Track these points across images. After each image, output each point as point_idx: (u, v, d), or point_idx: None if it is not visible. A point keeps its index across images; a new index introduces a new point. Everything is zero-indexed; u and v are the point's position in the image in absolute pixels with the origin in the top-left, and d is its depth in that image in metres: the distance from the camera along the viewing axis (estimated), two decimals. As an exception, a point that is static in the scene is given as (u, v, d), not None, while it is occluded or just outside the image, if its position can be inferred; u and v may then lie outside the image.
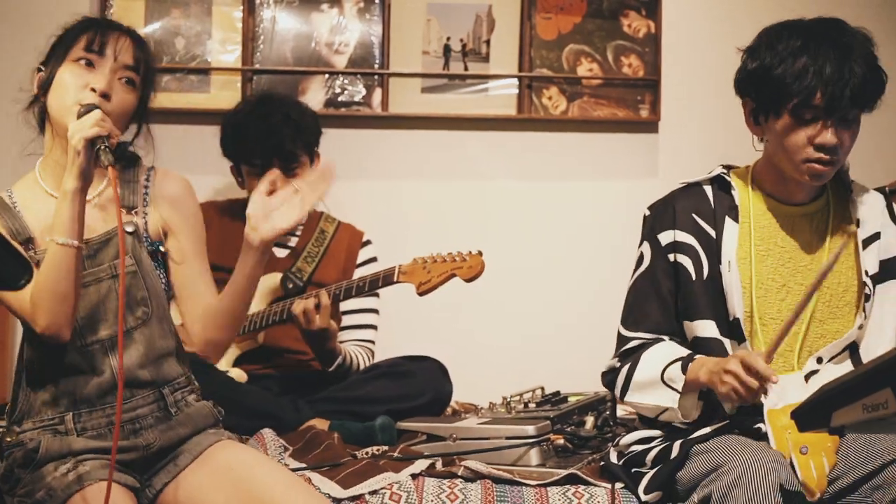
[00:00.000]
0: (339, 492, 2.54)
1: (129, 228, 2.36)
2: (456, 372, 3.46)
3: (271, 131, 3.47)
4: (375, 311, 3.58)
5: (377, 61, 4.06)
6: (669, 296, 2.64)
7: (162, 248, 2.43)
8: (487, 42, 4.10)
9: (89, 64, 2.31)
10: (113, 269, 2.32)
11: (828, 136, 2.46)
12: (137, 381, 2.32)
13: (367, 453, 2.82)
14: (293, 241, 3.60)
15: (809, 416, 2.13)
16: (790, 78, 2.45)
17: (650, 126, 4.20)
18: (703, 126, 4.21)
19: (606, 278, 4.08)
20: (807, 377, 2.54)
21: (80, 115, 2.21)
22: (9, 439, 2.30)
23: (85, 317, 2.29)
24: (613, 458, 2.70)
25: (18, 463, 2.26)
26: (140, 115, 2.42)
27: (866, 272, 2.58)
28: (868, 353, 2.57)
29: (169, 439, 2.35)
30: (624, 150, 4.21)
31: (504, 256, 3.76)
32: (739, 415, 2.51)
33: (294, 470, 2.63)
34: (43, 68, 2.36)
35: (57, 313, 2.20)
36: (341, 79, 4.06)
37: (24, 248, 2.26)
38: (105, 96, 2.28)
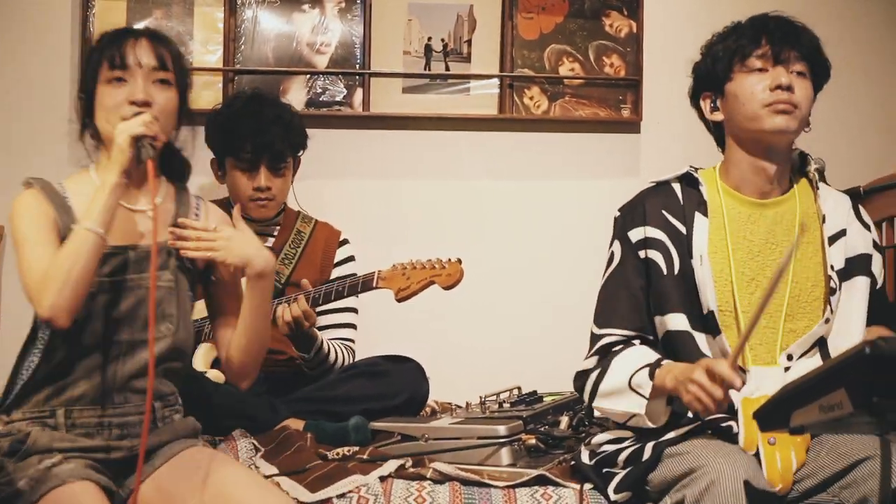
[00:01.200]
0: (307, 496, 2.54)
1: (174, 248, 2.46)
2: (437, 372, 3.46)
3: (262, 129, 3.49)
4: (355, 310, 3.59)
5: (358, 61, 4.07)
6: (640, 292, 2.65)
7: (213, 278, 2.54)
8: (469, 42, 4.10)
9: (120, 80, 2.40)
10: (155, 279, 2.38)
11: (781, 77, 2.56)
12: (133, 388, 2.38)
13: (337, 454, 2.82)
14: (269, 242, 3.60)
15: (770, 415, 2.13)
16: (733, 38, 2.64)
17: (632, 126, 4.20)
18: (685, 126, 4.14)
19: (589, 278, 4.02)
20: (784, 372, 2.55)
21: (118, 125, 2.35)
22: None
23: (112, 318, 2.36)
24: (585, 457, 2.70)
25: (4, 451, 2.30)
26: (184, 109, 2.52)
27: (832, 267, 2.60)
28: (836, 349, 2.58)
29: (150, 444, 2.38)
30: (606, 150, 4.22)
31: (486, 256, 3.78)
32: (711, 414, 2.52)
33: (265, 476, 2.65)
34: (82, 96, 2.47)
35: (63, 296, 2.25)
36: (323, 79, 4.07)
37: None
38: (146, 104, 2.38)
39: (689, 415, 2.52)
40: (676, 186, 2.70)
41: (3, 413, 2.38)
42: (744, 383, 2.35)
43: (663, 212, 2.66)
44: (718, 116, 2.71)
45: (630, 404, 2.53)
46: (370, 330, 3.73)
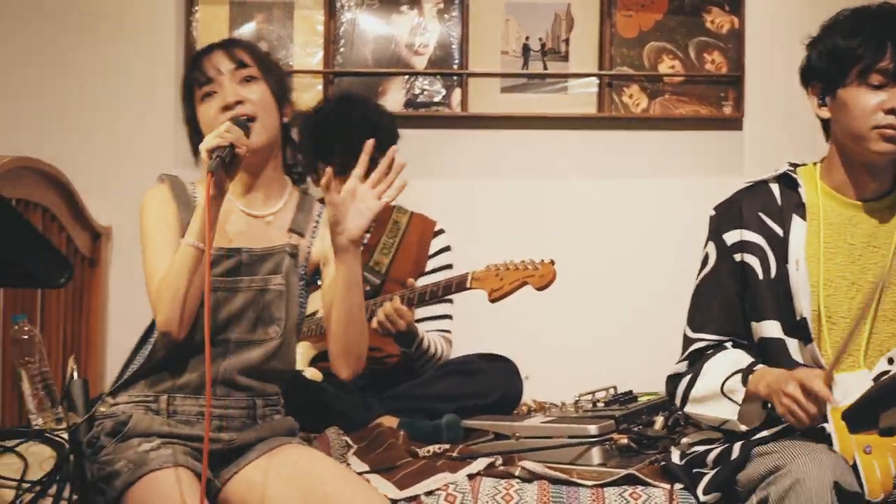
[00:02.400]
0: (395, 493, 2.57)
1: (290, 250, 2.52)
2: (533, 371, 3.46)
3: (349, 131, 3.52)
4: (450, 300, 3.59)
5: (456, 62, 4.09)
6: (735, 296, 2.61)
7: (319, 282, 2.59)
8: (567, 41, 4.09)
9: (210, 94, 2.50)
10: (264, 282, 2.48)
11: None
12: (234, 383, 2.45)
13: (428, 452, 2.84)
14: (366, 235, 3.63)
15: (857, 417, 2.10)
16: (857, 42, 2.46)
17: (734, 123, 4.14)
18: (788, 122, 4.13)
19: (687, 276, 4.03)
20: (878, 378, 2.48)
21: (243, 124, 2.43)
22: (102, 409, 2.44)
23: (223, 316, 2.44)
24: (675, 458, 2.68)
25: (106, 431, 2.39)
26: (284, 98, 2.61)
27: None
28: None
29: (248, 438, 2.46)
30: (707, 148, 4.16)
31: (585, 255, 3.76)
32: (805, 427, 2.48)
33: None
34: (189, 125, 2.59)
35: (173, 310, 2.35)
36: (421, 79, 4.09)
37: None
38: (239, 103, 2.47)
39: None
40: (774, 187, 2.64)
41: (109, 395, 2.47)
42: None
43: (760, 214, 2.60)
44: (825, 114, 2.60)
45: (722, 410, 2.50)
46: (464, 329, 3.74)
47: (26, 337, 3.09)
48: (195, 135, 2.53)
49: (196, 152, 2.50)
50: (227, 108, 2.46)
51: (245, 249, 2.47)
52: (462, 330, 3.69)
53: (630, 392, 3.29)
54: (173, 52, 4.09)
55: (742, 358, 2.53)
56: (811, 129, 4.00)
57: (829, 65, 2.53)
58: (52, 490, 2.44)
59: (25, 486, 2.56)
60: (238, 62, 2.51)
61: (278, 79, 2.59)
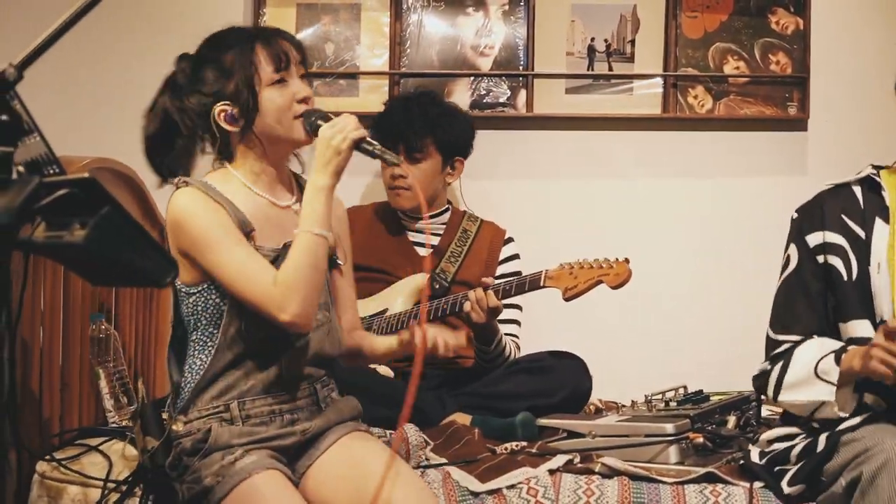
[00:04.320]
0: (477, 486, 2.60)
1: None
2: (598, 369, 3.47)
3: (403, 117, 3.61)
4: (519, 307, 3.62)
5: (522, 63, 4.11)
6: (818, 297, 2.62)
7: (339, 262, 2.59)
8: (632, 42, 4.10)
9: (283, 81, 2.44)
10: None
11: None
12: (301, 375, 2.46)
13: (505, 449, 2.87)
14: (436, 241, 3.67)
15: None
16: None
17: (799, 124, 4.14)
18: (853, 124, 4.13)
19: (753, 277, 4.05)
20: None
21: (313, 123, 2.42)
22: (175, 428, 2.41)
23: None
24: (755, 456, 2.69)
25: (187, 451, 2.37)
26: None
27: None
28: None
29: (319, 426, 2.47)
30: (772, 149, 4.16)
31: (649, 255, 3.76)
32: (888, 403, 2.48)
33: (434, 465, 2.71)
34: (227, 104, 2.42)
35: (308, 304, 2.34)
36: (486, 81, 4.12)
37: (247, 238, 2.39)
38: (309, 100, 2.46)
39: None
40: (857, 189, 2.64)
41: (180, 413, 2.44)
42: None
43: (842, 216, 2.61)
44: None
45: (818, 392, 2.50)
46: (533, 326, 3.76)
47: (103, 336, 3.14)
48: (250, 115, 2.41)
49: (248, 124, 2.42)
50: (303, 101, 2.43)
51: (288, 243, 2.40)
52: (529, 328, 3.71)
53: (701, 391, 3.29)
54: (242, 54, 4.13)
55: (832, 343, 2.55)
56: (875, 131, 4.05)
57: None
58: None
59: (111, 485, 2.62)
60: (303, 58, 2.50)
61: (312, 80, 2.60)
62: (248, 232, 2.40)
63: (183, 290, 2.44)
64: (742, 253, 4.12)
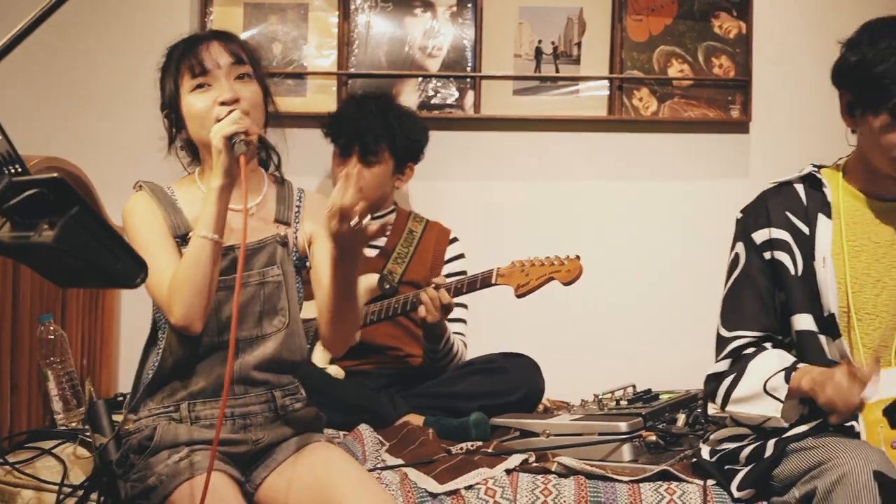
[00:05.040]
0: (435, 487, 2.60)
1: (280, 240, 2.50)
2: (546, 369, 3.50)
3: (359, 119, 3.61)
4: (465, 305, 3.64)
5: (469, 64, 4.12)
6: (767, 293, 2.66)
7: (308, 265, 2.57)
8: (578, 44, 4.13)
9: (204, 87, 2.45)
10: (261, 275, 2.46)
11: None
12: (251, 380, 2.45)
13: (461, 449, 2.88)
14: (382, 242, 3.68)
15: (902, 412, 2.15)
16: (891, 78, 2.46)
17: (741, 126, 4.20)
18: (795, 126, 4.20)
19: (696, 278, 4.10)
20: None
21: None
22: (126, 427, 2.43)
23: (227, 315, 2.41)
24: (705, 454, 2.72)
25: (133, 449, 2.38)
26: (268, 99, 2.55)
27: None
28: None
29: (275, 437, 2.46)
30: (715, 151, 4.21)
31: (594, 256, 3.78)
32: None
33: (391, 466, 2.71)
34: (168, 112, 2.52)
35: (193, 305, 2.32)
36: (434, 82, 4.12)
37: (181, 243, 2.41)
38: (235, 101, 2.42)
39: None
40: (799, 187, 2.69)
41: (130, 412, 2.45)
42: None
43: (787, 213, 2.66)
44: (851, 125, 2.64)
45: (764, 408, 2.55)
46: (480, 326, 3.78)
47: (52, 337, 3.10)
48: (178, 121, 2.49)
49: (172, 138, 2.53)
50: (224, 103, 2.41)
51: (238, 245, 2.40)
52: (477, 328, 3.73)
53: (649, 390, 3.33)
54: (188, 52, 4.10)
55: (784, 358, 2.58)
56: (816, 134, 4.12)
57: (860, 87, 2.56)
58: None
59: (66, 489, 2.59)
60: (236, 58, 2.48)
61: (264, 76, 2.57)
62: (182, 235, 2.42)
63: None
64: (686, 253, 4.17)
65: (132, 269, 1.77)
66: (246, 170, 2.30)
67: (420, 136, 3.74)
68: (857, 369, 2.34)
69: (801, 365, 2.54)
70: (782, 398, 2.51)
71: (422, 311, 3.29)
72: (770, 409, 2.53)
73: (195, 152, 2.56)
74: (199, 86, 2.45)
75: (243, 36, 4.03)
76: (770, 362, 2.57)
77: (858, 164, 2.65)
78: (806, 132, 4.18)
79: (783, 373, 2.52)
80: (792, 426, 2.55)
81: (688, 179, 4.22)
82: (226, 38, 2.53)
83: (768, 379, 2.53)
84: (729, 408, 2.63)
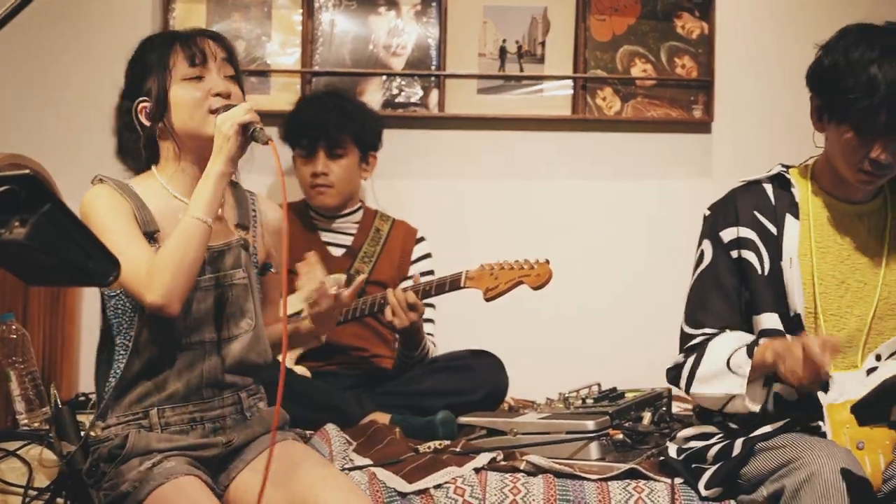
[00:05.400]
0: (404, 486, 2.60)
1: (243, 243, 2.49)
2: (510, 368, 3.50)
3: (320, 115, 3.61)
4: (433, 305, 3.63)
5: (434, 63, 4.12)
6: (733, 292, 2.67)
7: (273, 270, 2.59)
8: (542, 44, 4.14)
9: (199, 78, 2.43)
10: (229, 277, 2.44)
11: (883, 156, 2.50)
12: (221, 383, 2.43)
13: (429, 448, 2.87)
14: (349, 241, 3.66)
15: (869, 410, 2.18)
16: (857, 93, 2.46)
17: (703, 126, 4.22)
18: (756, 126, 4.23)
19: (659, 277, 4.12)
20: (867, 373, 2.57)
21: (218, 116, 2.38)
22: (93, 434, 2.38)
23: (194, 318, 2.39)
24: (672, 452, 2.73)
25: (104, 458, 2.34)
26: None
27: None
28: None
29: (245, 437, 2.44)
30: (678, 151, 4.24)
31: (558, 255, 3.80)
32: (799, 411, 2.55)
33: (359, 466, 2.70)
34: (145, 99, 2.44)
35: (176, 285, 2.28)
36: (399, 80, 4.12)
37: (148, 240, 2.36)
38: (229, 95, 2.42)
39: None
40: (768, 187, 2.71)
41: (98, 419, 2.40)
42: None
43: (755, 212, 2.67)
44: (819, 129, 2.64)
45: (729, 385, 2.54)
46: (448, 326, 3.77)
47: (15, 336, 3.07)
48: (161, 110, 2.43)
49: (151, 130, 2.44)
50: (219, 95, 2.41)
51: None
52: (444, 328, 3.73)
53: (615, 389, 3.34)
54: (150, 48, 4.07)
55: (745, 337, 2.60)
56: (778, 134, 4.15)
57: (829, 96, 2.56)
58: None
59: (32, 493, 2.56)
60: (229, 58, 2.49)
61: (243, 85, 2.56)
62: (151, 232, 2.38)
63: (105, 292, 2.42)
64: (649, 252, 4.18)
65: (105, 267, 1.75)
66: (279, 158, 2.34)
67: (378, 123, 3.76)
68: (818, 339, 2.36)
69: (762, 340, 2.55)
70: (746, 374, 2.51)
71: (388, 313, 3.28)
72: (735, 387, 2.53)
73: (151, 152, 2.49)
74: (196, 77, 2.43)
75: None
76: (731, 341, 2.59)
77: (825, 167, 2.67)
78: (768, 132, 4.21)
79: (745, 348, 2.53)
80: (759, 425, 2.56)
81: (650, 179, 4.24)
82: (218, 37, 2.53)
83: (731, 355, 2.55)
84: (693, 389, 2.63)
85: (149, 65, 2.46)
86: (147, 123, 2.45)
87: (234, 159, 2.35)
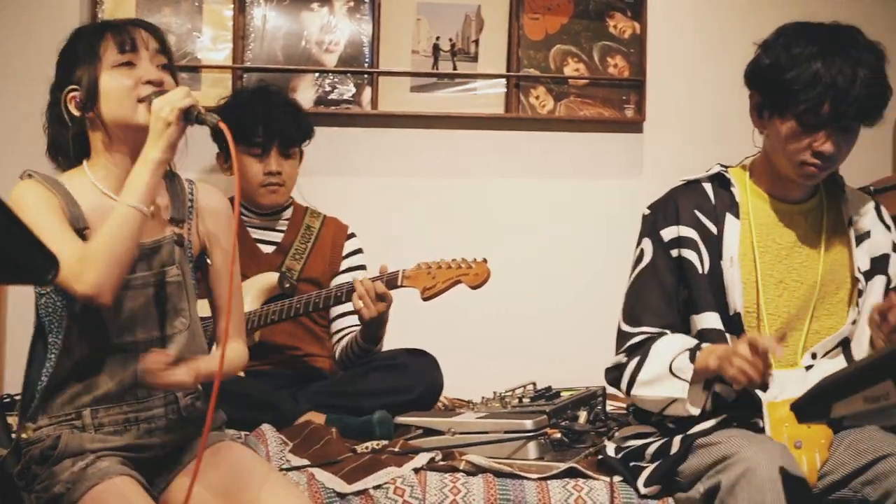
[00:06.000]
0: (343, 486, 2.57)
1: (177, 239, 2.42)
2: (444, 367, 3.49)
3: (273, 113, 3.56)
4: None
5: (367, 60, 4.09)
6: (672, 290, 2.68)
7: (209, 260, 2.50)
8: (476, 42, 4.14)
9: (129, 64, 2.35)
10: (161, 275, 2.38)
11: (827, 146, 2.52)
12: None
13: (367, 448, 2.85)
14: (279, 238, 3.63)
15: (809, 408, 2.17)
16: (800, 85, 2.49)
17: (635, 126, 4.25)
18: (688, 126, 4.27)
19: (590, 274, 4.15)
20: (805, 371, 2.60)
21: (149, 101, 2.30)
22: (24, 436, 2.32)
23: (127, 317, 2.32)
24: (611, 451, 2.74)
25: (36, 460, 2.28)
26: None
27: (859, 269, 2.65)
28: (859, 347, 2.64)
29: (180, 438, 2.39)
30: (609, 150, 4.26)
31: (491, 253, 3.80)
32: (738, 409, 2.57)
33: (297, 467, 2.67)
34: (75, 88, 2.36)
35: (109, 275, 2.20)
36: (331, 77, 4.09)
37: (78, 236, 2.28)
38: (160, 84, 2.34)
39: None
40: (708, 186, 2.72)
41: (28, 421, 2.34)
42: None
43: (695, 211, 2.68)
44: (758, 126, 2.67)
45: (671, 389, 2.56)
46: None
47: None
48: (90, 99, 2.34)
49: (81, 121, 2.36)
50: (150, 83, 2.34)
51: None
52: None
53: (550, 388, 3.35)
54: (77, 42, 3.99)
55: (687, 340, 2.61)
56: (708, 133, 4.20)
57: (770, 91, 2.59)
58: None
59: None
60: (161, 47, 2.41)
61: (176, 71, 2.49)
62: (80, 228, 2.31)
63: (36, 290, 2.37)
64: (579, 251, 4.20)
65: (44, 265, 1.71)
66: (232, 140, 2.26)
67: (309, 118, 3.72)
68: (758, 340, 2.38)
69: (704, 345, 2.56)
70: (688, 378, 2.53)
71: (357, 302, 3.24)
72: (676, 391, 2.56)
73: (82, 145, 2.41)
74: (125, 63, 2.35)
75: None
76: (673, 344, 2.60)
77: (764, 166, 2.69)
78: (699, 132, 4.25)
79: (688, 353, 2.55)
80: (697, 422, 2.58)
81: (583, 177, 4.26)
82: (150, 26, 2.44)
83: (673, 360, 2.56)
84: (634, 391, 2.64)
85: (78, 53, 2.39)
86: (77, 114, 2.37)
87: (172, 146, 2.28)
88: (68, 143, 2.40)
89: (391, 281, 3.24)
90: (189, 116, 2.27)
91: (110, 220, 2.24)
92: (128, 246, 2.24)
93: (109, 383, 2.32)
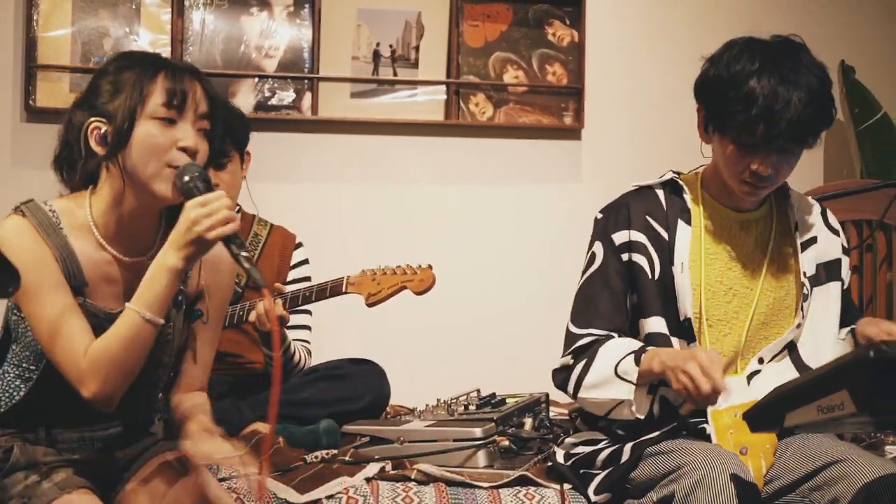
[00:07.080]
0: (295, 497, 2.55)
1: (175, 303, 2.28)
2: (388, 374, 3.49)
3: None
4: (309, 312, 3.59)
5: (307, 65, 4.08)
6: (622, 294, 2.69)
7: (202, 315, 2.37)
8: (416, 48, 4.14)
9: (172, 121, 2.16)
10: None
11: (763, 168, 2.54)
12: (118, 415, 2.28)
13: (316, 457, 2.84)
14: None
15: (762, 417, 2.20)
16: (738, 105, 2.49)
17: (574, 133, 4.29)
18: (625, 133, 4.31)
19: (529, 280, 4.17)
20: (749, 377, 2.63)
21: (186, 185, 2.13)
22: None
23: None
24: (560, 457, 2.75)
25: None
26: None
27: (804, 273, 2.69)
28: (805, 350, 2.68)
29: (133, 452, 2.35)
30: (548, 156, 4.30)
31: (431, 259, 3.81)
32: (685, 416, 2.60)
33: (247, 476, 2.64)
34: (102, 121, 2.17)
35: (115, 385, 2.14)
36: (271, 82, 4.07)
37: (75, 294, 2.16)
38: (194, 154, 2.18)
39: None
40: (660, 192, 2.74)
41: None
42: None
43: (647, 217, 2.70)
44: (704, 140, 2.68)
45: (617, 391, 2.56)
46: (321, 332, 3.73)
47: None
48: (118, 142, 2.13)
49: (97, 157, 2.16)
50: (185, 149, 2.15)
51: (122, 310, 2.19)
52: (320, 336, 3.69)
53: (494, 395, 3.36)
54: (11, 41, 3.94)
55: (633, 343, 2.62)
56: (646, 141, 4.25)
57: (712, 109, 2.60)
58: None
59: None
60: (210, 112, 2.22)
61: (215, 142, 2.30)
62: (78, 286, 2.18)
63: (14, 309, 2.23)
64: (519, 256, 4.23)
65: (4, 279, 1.68)
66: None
67: (247, 120, 3.63)
68: (710, 367, 2.39)
69: (649, 348, 2.58)
70: (634, 380, 2.54)
71: (252, 317, 3.24)
72: (623, 393, 2.56)
73: (91, 175, 2.23)
74: (168, 119, 2.15)
75: (73, 30, 3.90)
76: (619, 347, 2.61)
77: (713, 176, 2.72)
78: (636, 140, 4.30)
79: (632, 356, 2.55)
80: (646, 428, 2.60)
81: (522, 184, 4.28)
82: (206, 83, 2.25)
83: (619, 362, 2.57)
84: (581, 394, 2.64)
85: (121, 84, 2.17)
86: (96, 150, 2.18)
87: (194, 258, 2.13)
88: (76, 165, 2.22)
89: (335, 287, 3.23)
90: (227, 245, 2.10)
91: (121, 328, 2.12)
92: (138, 356, 2.14)
93: (70, 412, 2.24)
